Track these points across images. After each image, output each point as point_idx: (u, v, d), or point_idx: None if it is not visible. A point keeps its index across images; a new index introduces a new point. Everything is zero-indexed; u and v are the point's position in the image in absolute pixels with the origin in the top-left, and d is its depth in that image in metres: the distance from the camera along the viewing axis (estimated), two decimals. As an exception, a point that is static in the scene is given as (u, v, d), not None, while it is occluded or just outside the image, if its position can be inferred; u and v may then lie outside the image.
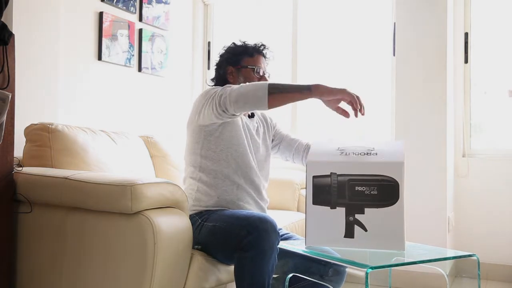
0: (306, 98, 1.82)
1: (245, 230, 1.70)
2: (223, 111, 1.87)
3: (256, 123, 2.16)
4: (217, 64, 2.20)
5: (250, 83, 1.85)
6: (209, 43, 3.98)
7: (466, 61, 3.30)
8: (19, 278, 1.99)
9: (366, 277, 1.29)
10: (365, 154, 1.57)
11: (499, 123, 3.29)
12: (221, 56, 2.20)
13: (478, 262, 1.54)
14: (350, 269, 1.94)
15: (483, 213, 3.17)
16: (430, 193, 3.00)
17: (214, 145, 1.99)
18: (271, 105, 1.80)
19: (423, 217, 3.00)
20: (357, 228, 1.53)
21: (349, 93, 1.77)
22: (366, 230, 1.53)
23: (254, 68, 2.11)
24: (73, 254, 1.84)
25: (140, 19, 3.32)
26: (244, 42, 2.20)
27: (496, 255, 3.09)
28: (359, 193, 1.53)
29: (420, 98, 3.05)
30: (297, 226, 2.73)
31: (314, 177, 1.53)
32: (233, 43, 2.22)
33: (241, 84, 1.86)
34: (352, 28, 3.57)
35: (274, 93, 1.78)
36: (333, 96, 1.78)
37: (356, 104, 1.76)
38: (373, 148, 1.59)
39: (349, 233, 1.54)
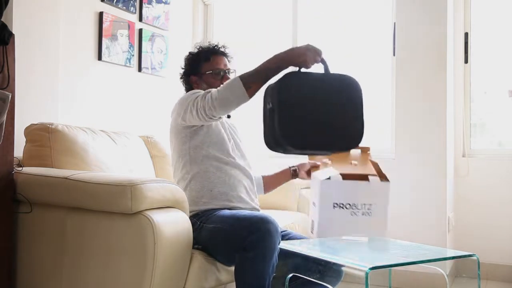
0: (280, 71, 1.72)
1: (247, 230, 1.71)
2: (211, 118, 1.86)
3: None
4: (181, 77, 2.22)
5: (225, 85, 1.79)
6: (209, 43, 3.97)
7: (466, 61, 3.30)
8: (19, 278, 1.99)
9: (366, 277, 1.29)
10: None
11: (499, 123, 3.29)
12: (182, 68, 2.22)
13: (478, 262, 1.54)
14: (350, 269, 1.93)
15: (483, 213, 3.17)
16: (430, 193, 2.99)
17: (201, 143, 2.02)
18: (251, 96, 1.76)
19: (423, 217, 3.00)
20: None
21: (313, 48, 1.70)
22: None
23: (212, 72, 2.12)
24: (73, 254, 1.84)
25: (140, 19, 3.32)
26: (200, 47, 2.19)
27: (496, 255, 3.09)
28: None
29: (420, 98, 3.05)
30: (297, 226, 2.73)
31: None
32: (190, 52, 2.23)
33: (217, 89, 1.79)
34: (352, 28, 3.57)
35: (250, 87, 1.72)
36: (301, 57, 1.68)
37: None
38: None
39: None
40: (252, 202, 2.09)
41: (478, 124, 3.33)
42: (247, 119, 3.14)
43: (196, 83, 2.16)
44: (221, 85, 1.81)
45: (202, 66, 2.14)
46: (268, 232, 1.69)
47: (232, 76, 2.13)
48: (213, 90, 1.82)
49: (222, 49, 2.17)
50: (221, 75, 2.12)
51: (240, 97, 1.74)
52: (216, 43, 2.19)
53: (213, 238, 1.86)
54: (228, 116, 2.18)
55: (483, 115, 3.33)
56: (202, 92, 1.90)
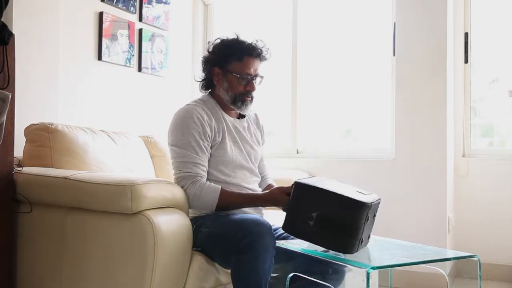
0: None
1: (240, 233, 1.70)
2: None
3: (247, 122, 2.15)
4: (204, 62, 2.06)
5: (202, 200, 1.88)
6: (209, 43, 3.96)
7: (466, 61, 3.30)
8: (19, 278, 1.99)
9: (367, 277, 1.29)
10: None
11: (499, 123, 3.29)
12: (209, 53, 2.06)
13: (479, 263, 1.54)
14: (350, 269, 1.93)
15: (483, 213, 3.17)
16: (430, 193, 2.99)
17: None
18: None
19: (423, 217, 3.00)
20: None
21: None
22: None
23: (239, 77, 1.97)
24: (73, 254, 1.84)
25: (140, 19, 3.32)
26: (237, 37, 2.02)
27: (496, 255, 3.08)
28: None
29: (420, 98, 3.05)
30: (297, 226, 2.72)
31: None
32: (222, 40, 2.04)
33: (193, 199, 1.87)
34: (352, 28, 3.57)
35: (220, 209, 1.89)
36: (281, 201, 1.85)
37: None
38: None
39: None
40: (255, 210, 2.06)
41: (478, 124, 3.32)
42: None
43: (217, 77, 2.00)
44: (200, 195, 1.87)
45: (231, 63, 1.97)
46: (260, 234, 1.69)
47: (258, 81, 2.02)
48: (190, 195, 1.87)
49: (257, 52, 1.99)
50: (248, 80, 1.98)
51: (208, 210, 1.92)
52: (254, 43, 2.00)
53: (209, 242, 1.85)
54: (242, 116, 2.14)
55: (483, 115, 3.33)
56: (187, 168, 1.91)
